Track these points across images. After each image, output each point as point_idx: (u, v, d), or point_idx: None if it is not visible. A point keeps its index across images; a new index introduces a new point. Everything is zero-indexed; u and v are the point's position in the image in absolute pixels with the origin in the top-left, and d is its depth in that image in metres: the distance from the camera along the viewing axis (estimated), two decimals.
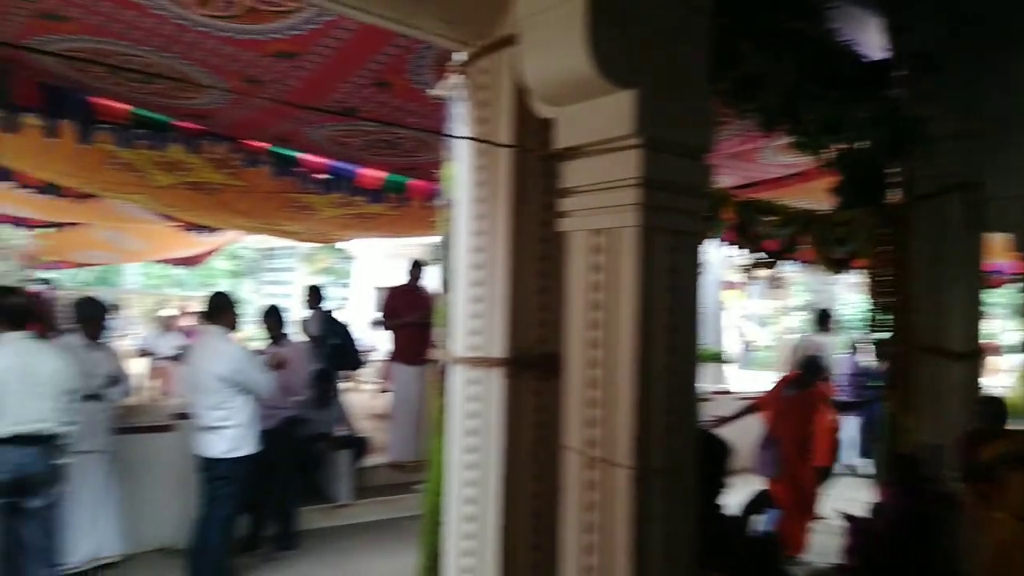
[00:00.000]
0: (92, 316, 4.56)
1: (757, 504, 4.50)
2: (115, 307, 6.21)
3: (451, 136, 2.94)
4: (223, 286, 20.51)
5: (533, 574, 2.70)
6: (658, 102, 2.03)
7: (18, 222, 9.17)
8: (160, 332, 9.84)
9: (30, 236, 10.19)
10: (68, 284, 11.53)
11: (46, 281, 10.60)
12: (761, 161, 5.60)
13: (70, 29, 3.36)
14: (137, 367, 8.27)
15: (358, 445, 6.26)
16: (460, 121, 2.93)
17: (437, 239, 3.46)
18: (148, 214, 8.06)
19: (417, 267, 6.88)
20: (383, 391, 11.17)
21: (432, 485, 2.99)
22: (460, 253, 2.90)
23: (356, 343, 6.87)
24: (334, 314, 6.77)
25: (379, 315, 6.89)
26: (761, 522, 4.68)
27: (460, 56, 2.91)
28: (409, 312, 6.55)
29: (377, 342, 13.31)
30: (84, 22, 3.27)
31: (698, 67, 2.21)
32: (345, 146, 5.04)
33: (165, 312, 11.34)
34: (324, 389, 6.03)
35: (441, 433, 2.95)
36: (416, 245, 11.82)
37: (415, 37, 2.91)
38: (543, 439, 2.74)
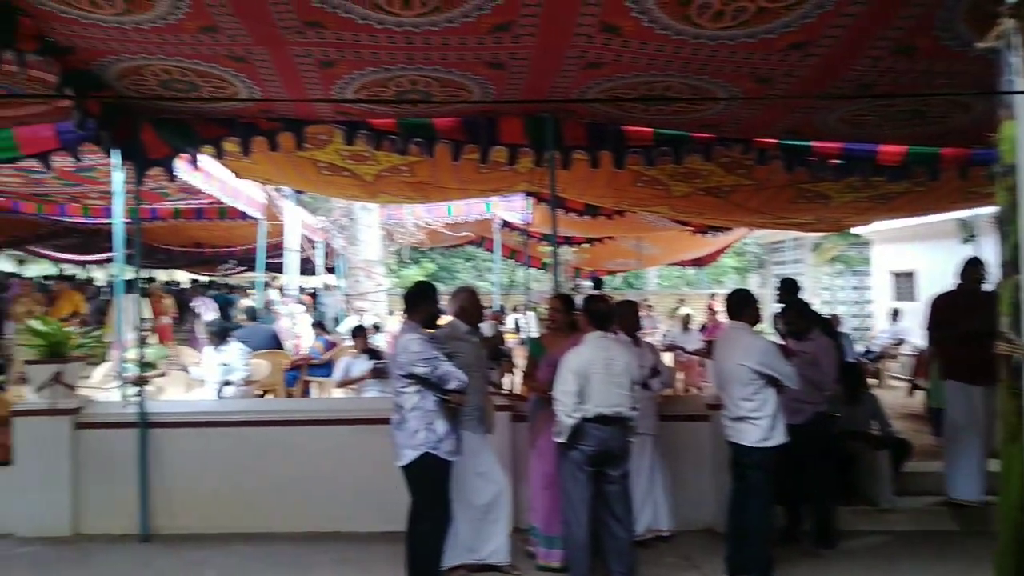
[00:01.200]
0: (631, 315, 5.21)
1: None
2: (645, 307, 7.00)
3: (1007, 92, 2.51)
4: (732, 283, 21.18)
5: None
6: None
7: (566, 241, 11.25)
8: (682, 328, 10.70)
9: (574, 251, 12.42)
10: (604, 290, 13.55)
11: (599, 286, 12.71)
12: None
13: (605, 73, 3.94)
14: (665, 361, 9.13)
15: (898, 447, 5.75)
16: (1017, 72, 2.49)
17: (988, 212, 2.99)
18: (665, 222, 8.90)
19: (975, 266, 5.57)
20: (915, 388, 10.09)
21: (1009, 499, 2.58)
22: None
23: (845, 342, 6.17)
24: (812, 309, 6.17)
25: (926, 326, 5.91)
26: None
27: None
28: (963, 321, 5.29)
29: (905, 334, 12.12)
30: (616, 64, 3.79)
31: None
32: (860, 125, 4.74)
33: (684, 310, 12.31)
34: (851, 385, 5.72)
35: (1017, 440, 2.53)
36: (940, 221, 10.33)
37: None
38: None
